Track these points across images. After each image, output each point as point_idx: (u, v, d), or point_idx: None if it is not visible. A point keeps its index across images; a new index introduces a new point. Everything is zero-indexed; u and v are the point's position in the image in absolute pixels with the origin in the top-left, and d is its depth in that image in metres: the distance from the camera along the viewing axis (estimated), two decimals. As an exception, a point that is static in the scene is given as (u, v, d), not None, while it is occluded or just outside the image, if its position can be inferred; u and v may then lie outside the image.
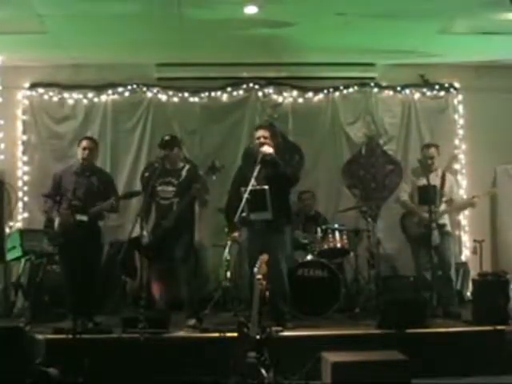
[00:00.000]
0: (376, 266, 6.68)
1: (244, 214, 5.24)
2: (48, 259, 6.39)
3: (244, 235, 5.95)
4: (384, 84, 7.79)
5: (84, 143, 6.07)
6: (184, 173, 5.83)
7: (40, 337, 4.93)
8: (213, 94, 7.71)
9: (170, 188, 5.80)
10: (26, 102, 7.60)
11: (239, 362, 4.47)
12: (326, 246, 6.61)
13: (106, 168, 7.10)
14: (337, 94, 7.80)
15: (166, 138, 5.90)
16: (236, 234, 6.41)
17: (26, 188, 7.51)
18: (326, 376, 4.68)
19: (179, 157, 5.98)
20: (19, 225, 7.34)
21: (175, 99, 7.70)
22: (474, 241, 7.25)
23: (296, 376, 4.85)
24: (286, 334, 5.30)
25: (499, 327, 5.38)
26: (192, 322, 5.59)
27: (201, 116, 7.69)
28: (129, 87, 7.64)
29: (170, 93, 7.69)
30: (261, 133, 5.73)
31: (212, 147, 7.47)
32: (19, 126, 7.59)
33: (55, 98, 7.61)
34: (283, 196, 5.73)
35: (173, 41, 6.70)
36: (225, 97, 7.75)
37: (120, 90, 7.63)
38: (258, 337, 4.49)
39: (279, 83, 7.75)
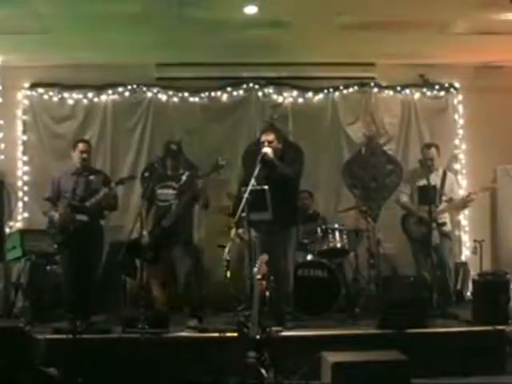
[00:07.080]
0: (376, 266, 6.68)
1: (244, 214, 5.24)
2: (48, 259, 6.40)
3: (249, 235, 5.95)
4: (384, 84, 7.78)
5: (81, 147, 6.14)
6: (184, 177, 5.88)
7: (40, 337, 4.93)
8: (213, 93, 7.70)
9: (171, 191, 5.86)
10: (26, 101, 7.60)
11: (239, 362, 4.47)
12: (325, 246, 6.61)
13: (106, 168, 7.14)
14: (337, 93, 7.79)
15: (173, 147, 5.89)
16: (241, 231, 6.40)
17: (26, 188, 7.50)
18: (325, 376, 4.69)
19: (181, 163, 6.03)
20: (19, 225, 7.34)
21: (175, 99, 7.69)
22: (474, 241, 7.25)
23: (296, 376, 4.85)
24: (285, 333, 5.29)
25: (499, 327, 5.38)
26: (192, 322, 5.60)
27: (201, 116, 7.68)
28: (129, 87, 7.64)
29: (170, 93, 7.68)
30: (264, 137, 5.73)
31: (212, 147, 7.44)
32: (19, 126, 7.58)
33: (55, 98, 7.60)
34: (287, 196, 5.69)
35: (173, 41, 6.69)
36: (225, 97, 7.74)
37: (120, 89, 7.63)
38: (257, 337, 4.48)
39: (279, 83, 7.74)
